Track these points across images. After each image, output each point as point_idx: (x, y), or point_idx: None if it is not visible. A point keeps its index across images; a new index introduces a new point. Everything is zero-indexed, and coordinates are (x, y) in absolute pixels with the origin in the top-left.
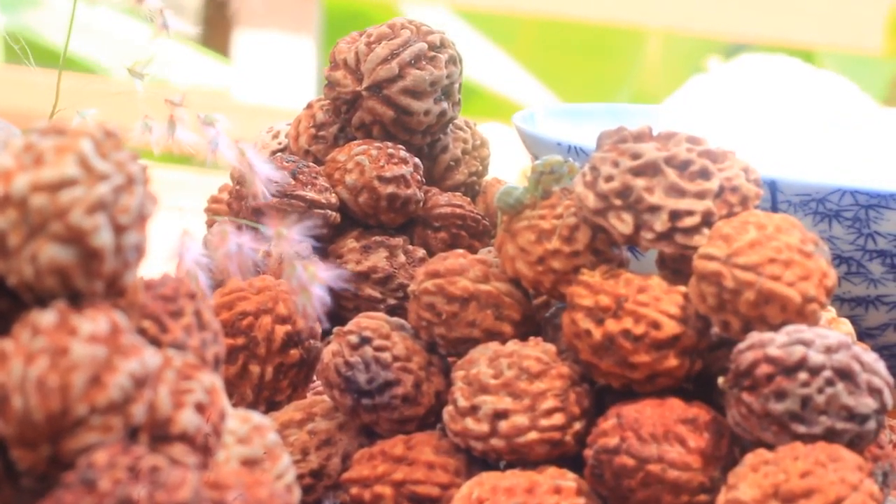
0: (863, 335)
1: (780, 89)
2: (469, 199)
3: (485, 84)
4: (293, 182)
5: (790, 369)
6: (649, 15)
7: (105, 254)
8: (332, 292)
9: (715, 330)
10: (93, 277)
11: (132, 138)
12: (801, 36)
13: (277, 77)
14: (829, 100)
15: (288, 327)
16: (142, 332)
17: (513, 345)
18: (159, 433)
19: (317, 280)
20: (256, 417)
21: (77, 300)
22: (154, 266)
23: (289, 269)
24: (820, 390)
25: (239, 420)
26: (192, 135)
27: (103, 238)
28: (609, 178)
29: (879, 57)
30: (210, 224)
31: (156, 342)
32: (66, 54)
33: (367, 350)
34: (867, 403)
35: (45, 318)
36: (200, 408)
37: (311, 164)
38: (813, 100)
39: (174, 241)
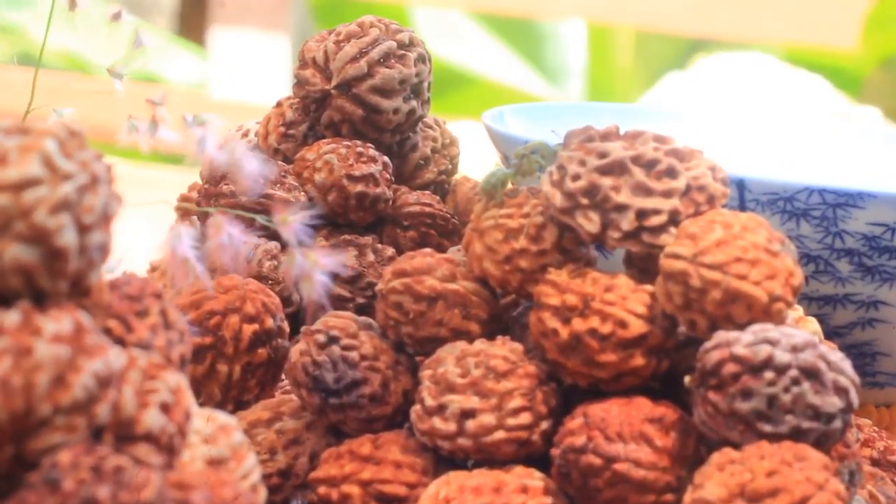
0: (830, 334)
1: (755, 87)
2: (438, 197)
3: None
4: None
5: (756, 368)
6: (622, 13)
7: (69, 253)
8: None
9: (682, 329)
10: (57, 277)
11: (118, 139)
12: (775, 34)
13: (254, 74)
14: (804, 98)
15: (255, 326)
16: (107, 331)
17: (480, 344)
18: (124, 433)
19: (318, 267)
20: (222, 417)
21: (41, 300)
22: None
23: (289, 258)
24: (786, 389)
25: (204, 420)
26: (174, 134)
27: (67, 238)
28: (576, 177)
29: (855, 55)
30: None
31: (121, 342)
32: (43, 52)
33: (335, 349)
34: (833, 402)
35: (9, 318)
36: (165, 407)
37: (280, 162)
38: (787, 98)
39: (165, 234)
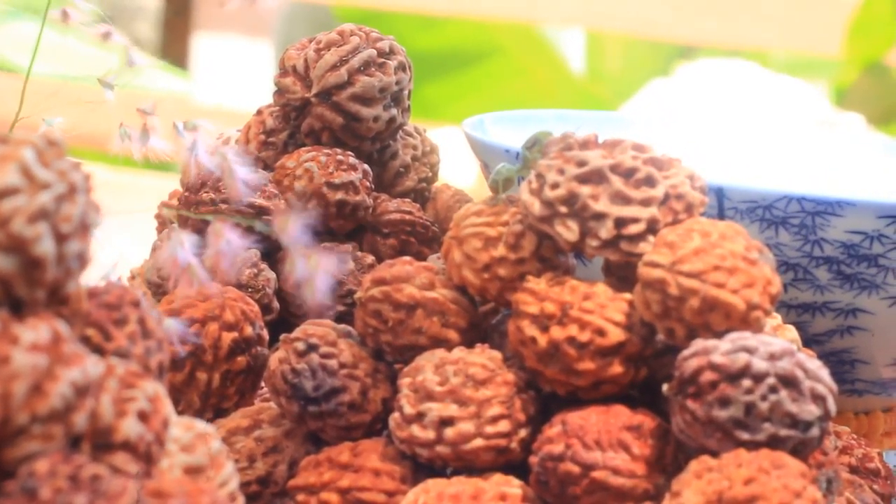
0: (809, 342)
1: (738, 94)
2: (418, 205)
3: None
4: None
5: (734, 376)
6: (607, 19)
7: (47, 262)
8: (283, 297)
9: (660, 337)
10: (34, 286)
11: (111, 147)
12: (759, 40)
13: (237, 80)
14: (788, 104)
15: (235, 334)
16: (85, 340)
17: (459, 352)
18: (101, 441)
19: (320, 269)
20: (200, 425)
21: (19, 308)
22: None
23: (290, 262)
24: (763, 397)
25: (182, 428)
26: (163, 142)
27: (45, 247)
28: (555, 186)
29: (838, 61)
30: (160, 229)
31: (99, 350)
32: (31, 67)
33: (314, 357)
34: (811, 410)
35: None
36: (143, 416)
37: (260, 170)
38: (771, 104)
39: (153, 241)
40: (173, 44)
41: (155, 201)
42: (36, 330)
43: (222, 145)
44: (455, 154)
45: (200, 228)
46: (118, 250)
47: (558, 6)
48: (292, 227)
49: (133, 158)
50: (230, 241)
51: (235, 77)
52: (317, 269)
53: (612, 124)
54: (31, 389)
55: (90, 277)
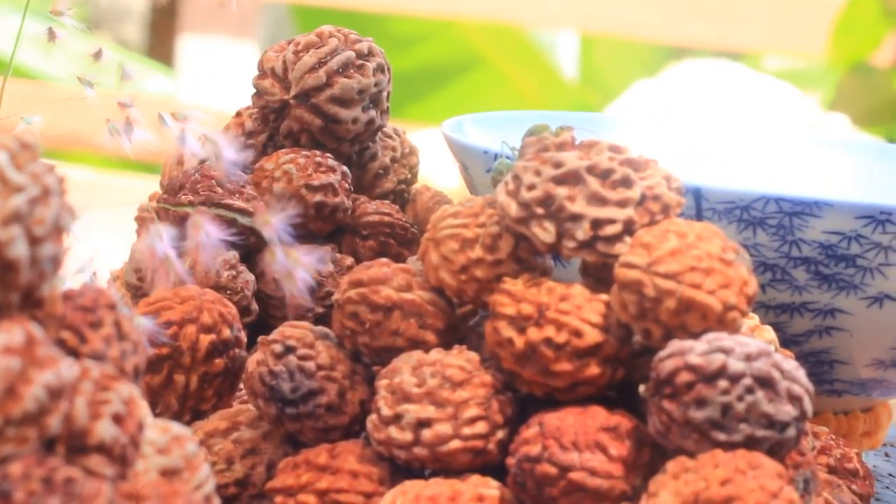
0: (788, 342)
1: (723, 94)
2: (398, 207)
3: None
4: (220, 190)
5: (710, 377)
6: (593, 20)
7: (20, 265)
8: (262, 299)
9: (637, 338)
10: (8, 289)
11: (99, 143)
12: (745, 41)
13: (223, 81)
14: (773, 105)
15: (213, 336)
16: (61, 342)
17: (436, 353)
18: (76, 444)
19: (300, 265)
20: (176, 427)
21: None
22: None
23: (270, 256)
24: (740, 398)
25: (158, 430)
26: (148, 134)
27: (18, 250)
28: (531, 187)
29: (824, 62)
30: (140, 232)
31: (75, 353)
32: (12, 62)
33: (292, 359)
34: (787, 411)
35: None
36: (118, 418)
37: (239, 172)
38: (756, 105)
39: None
40: (159, 45)
41: (137, 202)
42: (9, 333)
43: (210, 134)
44: (441, 155)
45: (180, 225)
46: (95, 246)
47: (546, 9)
48: (274, 222)
49: (117, 156)
50: (209, 232)
51: (221, 78)
52: (297, 265)
53: (594, 125)
54: (4, 392)
55: (68, 273)
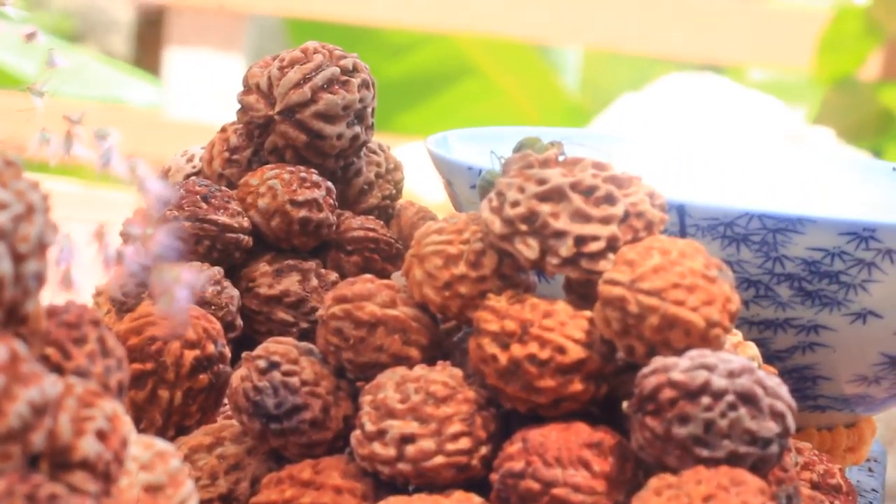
0: (771, 358)
1: (709, 109)
2: (382, 222)
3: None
4: (205, 206)
5: (693, 394)
6: (580, 34)
7: (4, 282)
8: (247, 315)
9: (620, 354)
10: None
11: (29, 151)
12: (730, 54)
13: (209, 94)
14: (758, 119)
15: (197, 352)
16: (45, 359)
17: (420, 369)
18: (60, 460)
19: (180, 282)
20: (160, 444)
21: None
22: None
23: (155, 272)
24: (723, 414)
25: (142, 446)
26: (85, 150)
27: (2, 267)
28: (515, 204)
29: (809, 76)
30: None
31: (59, 369)
32: None
33: (276, 375)
34: (770, 427)
35: None
36: (102, 435)
37: (223, 188)
38: (741, 118)
39: (112, 246)
40: (146, 57)
41: (122, 217)
42: None
43: (135, 157)
44: (427, 169)
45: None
46: (80, 260)
47: (540, 24)
48: (158, 236)
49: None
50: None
51: (207, 90)
52: (177, 282)
53: (578, 141)
54: None
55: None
